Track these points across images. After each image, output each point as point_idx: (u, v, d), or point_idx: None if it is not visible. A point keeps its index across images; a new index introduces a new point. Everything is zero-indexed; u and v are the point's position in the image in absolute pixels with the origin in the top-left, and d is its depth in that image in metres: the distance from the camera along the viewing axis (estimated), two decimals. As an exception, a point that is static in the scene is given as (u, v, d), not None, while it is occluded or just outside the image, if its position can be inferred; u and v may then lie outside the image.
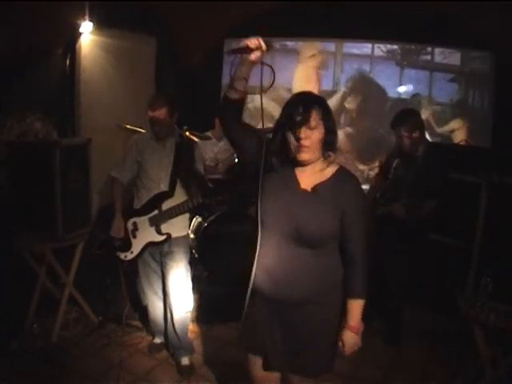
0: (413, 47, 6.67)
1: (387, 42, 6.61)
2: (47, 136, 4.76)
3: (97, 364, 3.96)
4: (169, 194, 3.88)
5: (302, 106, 2.34)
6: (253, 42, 2.32)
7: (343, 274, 2.50)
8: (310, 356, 2.55)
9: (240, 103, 2.48)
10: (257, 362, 2.71)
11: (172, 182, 3.88)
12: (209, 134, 5.71)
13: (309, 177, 2.46)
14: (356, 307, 2.47)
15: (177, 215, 3.90)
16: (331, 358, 2.60)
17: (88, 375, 3.80)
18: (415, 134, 4.20)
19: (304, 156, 2.38)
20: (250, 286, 2.44)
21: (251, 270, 2.45)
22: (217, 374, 3.95)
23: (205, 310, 4.86)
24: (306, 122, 2.32)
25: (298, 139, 2.34)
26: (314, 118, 2.33)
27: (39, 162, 3.96)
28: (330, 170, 2.46)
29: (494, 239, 3.41)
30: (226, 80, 7.37)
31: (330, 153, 2.44)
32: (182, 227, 3.99)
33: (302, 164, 2.45)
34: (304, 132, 2.33)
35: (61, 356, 3.94)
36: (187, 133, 4.78)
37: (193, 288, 4.11)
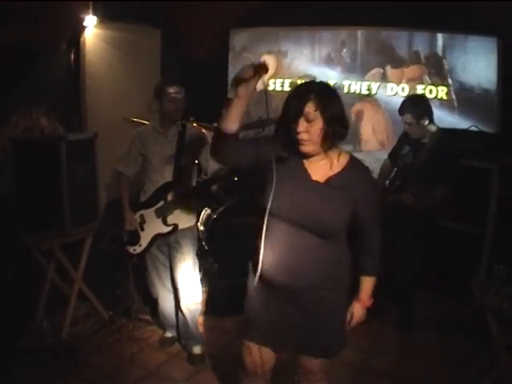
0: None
1: (393, 28, 6.51)
2: (53, 131, 4.73)
3: (108, 359, 3.95)
4: (174, 184, 3.86)
5: (298, 98, 2.31)
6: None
7: (350, 260, 2.62)
8: (327, 337, 2.59)
9: (236, 137, 2.44)
10: (253, 349, 2.73)
11: (176, 172, 3.85)
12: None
13: (320, 168, 2.45)
14: (368, 283, 2.67)
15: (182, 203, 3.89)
16: (344, 334, 2.69)
17: (99, 371, 3.78)
18: (423, 121, 4.17)
19: (305, 149, 2.37)
20: (258, 273, 2.44)
21: (256, 259, 2.46)
22: (227, 368, 3.90)
23: (214, 303, 4.81)
24: (301, 115, 2.29)
25: (296, 133, 2.32)
26: (310, 111, 2.28)
27: (45, 158, 3.94)
28: (342, 162, 2.45)
29: (506, 225, 3.38)
30: (232, 71, 7.32)
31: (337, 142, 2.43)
32: (188, 218, 3.96)
33: (308, 156, 2.42)
34: (301, 125, 2.30)
35: (71, 352, 3.93)
36: (195, 124, 4.76)
37: (202, 280, 4.08)
